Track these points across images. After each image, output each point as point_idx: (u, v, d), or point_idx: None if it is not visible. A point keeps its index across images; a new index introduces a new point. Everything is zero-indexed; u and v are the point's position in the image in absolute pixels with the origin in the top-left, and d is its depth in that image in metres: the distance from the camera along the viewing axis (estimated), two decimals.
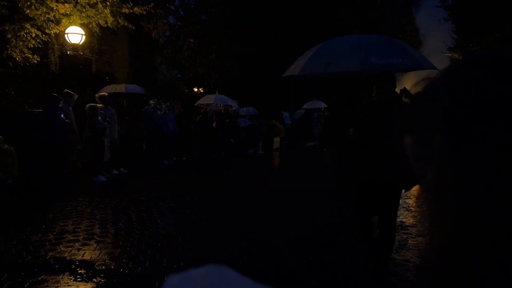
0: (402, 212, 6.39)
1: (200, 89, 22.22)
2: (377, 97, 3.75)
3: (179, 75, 24.87)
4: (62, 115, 7.62)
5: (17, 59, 9.92)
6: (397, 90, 3.63)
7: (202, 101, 14.12)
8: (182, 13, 21.61)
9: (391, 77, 3.74)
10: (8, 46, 9.41)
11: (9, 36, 9.39)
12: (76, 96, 8.34)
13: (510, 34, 18.88)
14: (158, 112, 10.78)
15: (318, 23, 20.09)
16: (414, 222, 5.78)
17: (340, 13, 20.87)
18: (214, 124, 12.73)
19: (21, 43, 9.91)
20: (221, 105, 13.30)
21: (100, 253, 4.30)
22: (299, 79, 19.54)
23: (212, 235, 5.05)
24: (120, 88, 10.69)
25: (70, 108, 8.18)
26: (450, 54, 24.98)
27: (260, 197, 7.41)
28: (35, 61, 10.52)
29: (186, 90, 23.81)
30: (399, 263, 4.13)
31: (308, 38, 19.64)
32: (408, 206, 6.83)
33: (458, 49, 23.57)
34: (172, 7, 16.96)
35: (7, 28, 9.40)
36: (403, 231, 5.27)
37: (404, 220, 5.89)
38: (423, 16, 36.17)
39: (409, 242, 4.83)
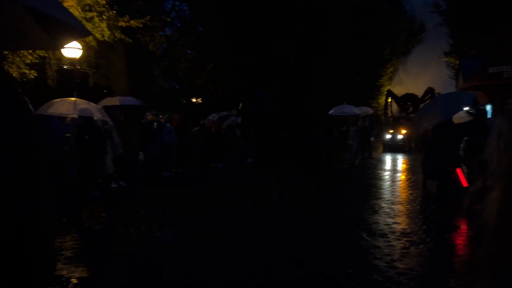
0: (404, 219, 6.35)
1: (198, 99, 22.27)
2: None
3: (177, 86, 24.98)
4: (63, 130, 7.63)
5: (14, 75, 9.91)
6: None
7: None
8: (178, 24, 21.74)
9: None
10: (5, 62, 9.42)
11: (6, 52, 9.40)
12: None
13: (504, 36, 18.96)
14: (154, 125, 10.75)
15: (315, 31, 20.19)
16: (416, 229, 5.73)
17: (336, 21, 21.00)
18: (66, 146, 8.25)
19: (18, 59, 9.91)
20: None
21: (99, 269, 4.24)
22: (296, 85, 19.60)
23: (213, 249, 4.99)
24: (114, 101, 10.66)
25: None
26: (446, 59, 25.11)
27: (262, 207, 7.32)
28: (33, 77, 10.52)
29: (184, 101, 23.88)
30: (402, 272, 4.07)
31: (306, 46, 19.75)
32: (409, 212, 6.78)
33: (454, 54, 23.69)
34: (169, 19, 17.05)
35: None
36: (406, 239, 5.22)
37: (405, 227, 5.84)
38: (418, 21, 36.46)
39: (411, 250, 4.78)
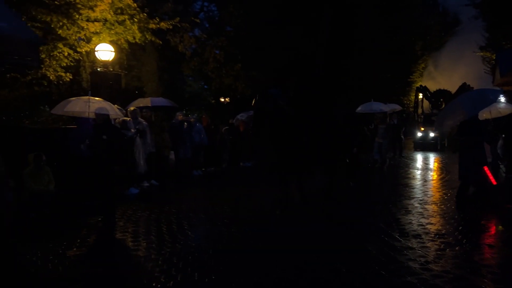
0: (438, 219, 6.17)
1: (226, 99, 22.40)
2: None
3: (206, 86, 25.20)
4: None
5: (51, 77, 10.30)
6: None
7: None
8: (207, 25, 21.92)
9: None
10: (42, 66, 9.79)
11: (43, 56, 9.78)
12: (123, 111, 8.82)
13: None
14: (185, 125, 10.89)
15: (344, 27, 19.87)
16: (450, 230, 5.56)
17: (365, 16, 20.60)
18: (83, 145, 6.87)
19: (54, 62, 10.29)
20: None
21: (133, 267, 4.35)
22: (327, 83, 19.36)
23: (243, 248, 5.01)
24: (146, 101, 10.90)
25: (116, 120, 8.60)
26: (482, 53, 24.19)
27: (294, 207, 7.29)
28: (68, 79, 10.89)
29: (213, 101, 24.09)
30: (438, 274, 3.96)
31: (335, 42, 19.48)
32: (443, 212, 6.59)
33: (490, 48, 22.80)
34: (198, 20, 17.23)
35: (41, 48, 9.79)
36: (440, 240, 5.08)
37: (440, 227, 5.68)
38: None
39: (447, 251, 4.64)
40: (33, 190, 6.55)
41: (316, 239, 5.26)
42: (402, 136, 15.72)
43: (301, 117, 6.69)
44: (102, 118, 6.81)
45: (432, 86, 23.04)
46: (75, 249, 4.98)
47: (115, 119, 8.84)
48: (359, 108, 14.04)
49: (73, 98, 8.16)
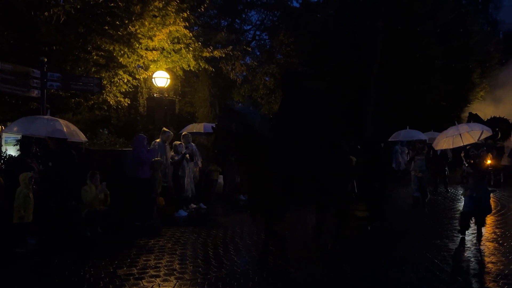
0: (499, 258, 5.73)
1: None
2: None
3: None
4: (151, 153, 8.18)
5: (111, 102, 10.93)
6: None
7: None
8: (258, 53, 22.44)
9: None
10: (103, 92, 10.44)
11: (105, 82, 10.43)
12: (171, 134, 9.14)
13: None
14: None
15: (398, 53, 19.56)
16: None
17: (421, 42, 20.19)
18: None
19: (114, 88, 10.93)
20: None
21: None
22: (376, 111, 18.99)
23: (288, 277, 4.91)
24: (199, 127, 11.22)
25: (166, 144, 8.94)
26: None
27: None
28: (126, 104, 11.50)
29: None
30: None
31: (387, 68, 19.18)
32: (506, 251, 6.09)
33: None
34: (249, 49, 17.72)
35: (103, 75, 10.47)
36: (503, 281, 4.70)
37: (502, 267, 5.25)
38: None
39: None
40: (89, 208, 6.87)
41: (363, 275, 5.05)
42: (446, 168, 14.39)
43: (285, 142, 5.36)
44: (55, 143, 6.06)
45: (491, 113, 21.76)
46: (125, 268, 5.12)
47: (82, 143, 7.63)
48: (392, 136, 13.38)
49: (31, 117, 7.28)
